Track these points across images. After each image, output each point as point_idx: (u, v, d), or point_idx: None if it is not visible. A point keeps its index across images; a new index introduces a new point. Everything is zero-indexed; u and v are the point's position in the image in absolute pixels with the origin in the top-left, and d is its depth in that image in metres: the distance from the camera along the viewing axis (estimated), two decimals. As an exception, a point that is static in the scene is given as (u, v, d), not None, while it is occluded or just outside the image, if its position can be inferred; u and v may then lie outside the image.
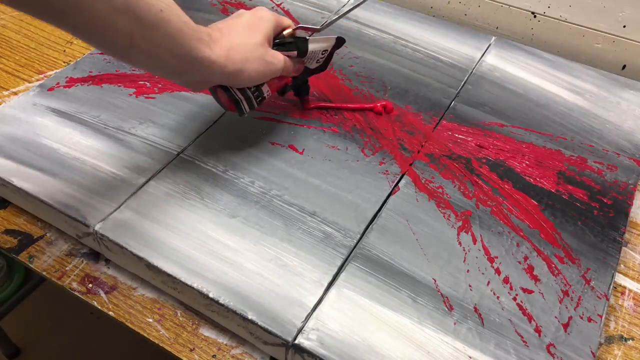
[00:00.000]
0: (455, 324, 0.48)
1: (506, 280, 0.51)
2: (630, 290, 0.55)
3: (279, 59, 0.55)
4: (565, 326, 0.48)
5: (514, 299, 0.50)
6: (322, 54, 0.60)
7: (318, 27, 0.58)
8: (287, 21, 0.58)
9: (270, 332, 0.46)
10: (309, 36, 0.59)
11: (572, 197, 0.59)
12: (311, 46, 0.58)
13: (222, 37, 0.52)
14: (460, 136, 0.65)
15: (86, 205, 0.54)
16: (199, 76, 0.51)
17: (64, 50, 0.78)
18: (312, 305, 0.48)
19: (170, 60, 0.48)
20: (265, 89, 0.57)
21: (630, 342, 0.51)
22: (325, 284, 0.50)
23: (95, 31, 0.45)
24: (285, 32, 0.58)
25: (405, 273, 0.51)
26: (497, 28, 0.87)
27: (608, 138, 0.66)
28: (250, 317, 0.47)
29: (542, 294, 0.50)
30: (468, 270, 0.52)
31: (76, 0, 0.42)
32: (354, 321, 0.48)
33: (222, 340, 0.51)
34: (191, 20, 0.49)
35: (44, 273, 0.55)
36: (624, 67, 0.80)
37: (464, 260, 0.52)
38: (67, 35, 0.81)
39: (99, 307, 0.52)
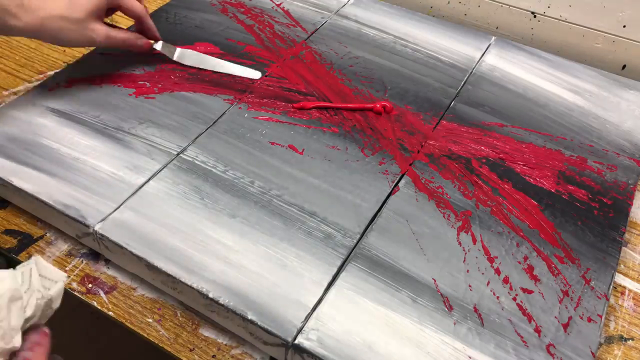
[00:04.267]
0: (455, 324, 0.48)
1: (506, 280, 0.51)
2: (630, 290, 0.55)
3: (99, 33, 0.62)
4: (565, 326, 0.48)
5: (514, 299, 0.50)
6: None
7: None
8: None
9: (270, 332, 0.46)
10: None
11: (572, 197, 0.59)
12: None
13: (39, 8, 0.57)
14: (460, 136, 0.65)
15: (86, 205, 0.54)
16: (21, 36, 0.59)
17: (64, 50, 0.78)
18: (312, 305, 0.48)
19: None
20: None
21: (630, 342, 0.51)
22: (325, 284, 0.50)
23: None
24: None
25: (405, 273, 0.51)
26: (497, 28, 0.87)
27: (608, 138, 0.66)
28: (250, 317, 0.47)
29: (542, 294, 0.50)
30: (468, 270, 0.52)
31: None
32: (353, 321, 0.48)
33: (222, 340, 0.51)
34: None
35: (44, 273, 0.55)
36: (624, 67, 0.80)
37: (464, 260, 0.52)
38: (67, 35, 0.81)
39: (99, 307, 0.52)
